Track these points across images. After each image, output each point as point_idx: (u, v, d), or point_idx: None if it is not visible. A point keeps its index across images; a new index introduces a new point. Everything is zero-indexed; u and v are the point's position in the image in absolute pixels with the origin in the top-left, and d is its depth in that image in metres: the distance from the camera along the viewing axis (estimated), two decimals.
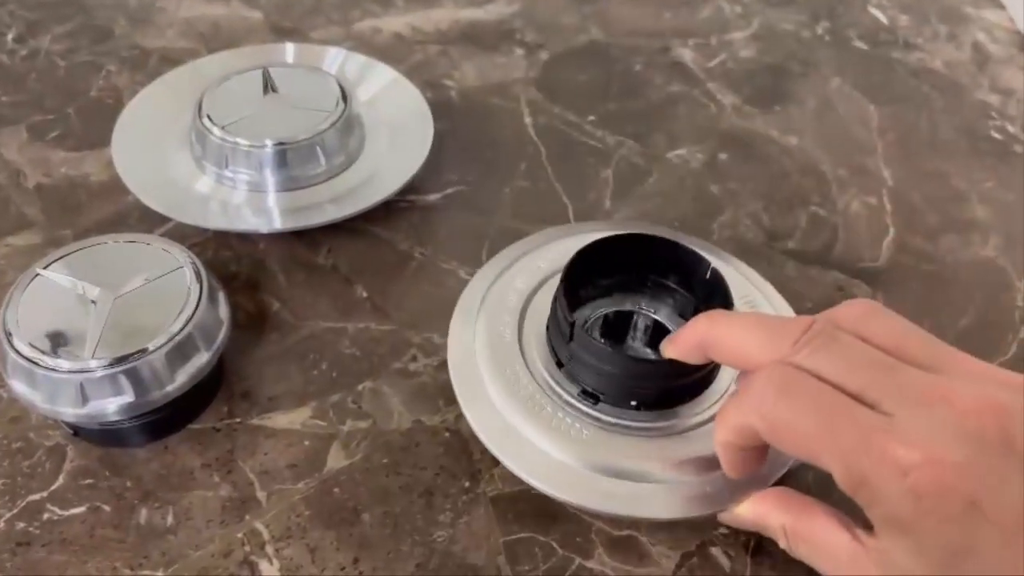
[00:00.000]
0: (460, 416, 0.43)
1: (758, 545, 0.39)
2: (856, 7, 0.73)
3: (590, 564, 0.38)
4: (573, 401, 0.40)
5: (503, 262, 0.46)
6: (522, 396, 0.40)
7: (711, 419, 0.39)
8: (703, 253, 0.41)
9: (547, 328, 0.42)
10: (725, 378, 0.41)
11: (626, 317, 0.43)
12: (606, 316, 0.43)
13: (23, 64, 0.63)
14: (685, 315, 0.43)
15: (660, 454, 0.38)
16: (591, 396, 0.40)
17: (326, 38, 0.67)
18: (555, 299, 0.40)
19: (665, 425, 0.39)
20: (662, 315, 0.43)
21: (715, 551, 0.39)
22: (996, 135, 0.62)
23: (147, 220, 0.51)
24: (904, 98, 0.64)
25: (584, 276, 0.42)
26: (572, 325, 0.38)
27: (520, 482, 0.40)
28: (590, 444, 0.38)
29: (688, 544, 0.39)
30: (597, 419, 0.39)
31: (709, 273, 0.41)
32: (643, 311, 0.43)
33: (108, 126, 0.54)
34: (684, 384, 0.39)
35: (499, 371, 0.41)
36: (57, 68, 0.62)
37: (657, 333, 0.43)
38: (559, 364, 0.40)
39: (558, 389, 0.40)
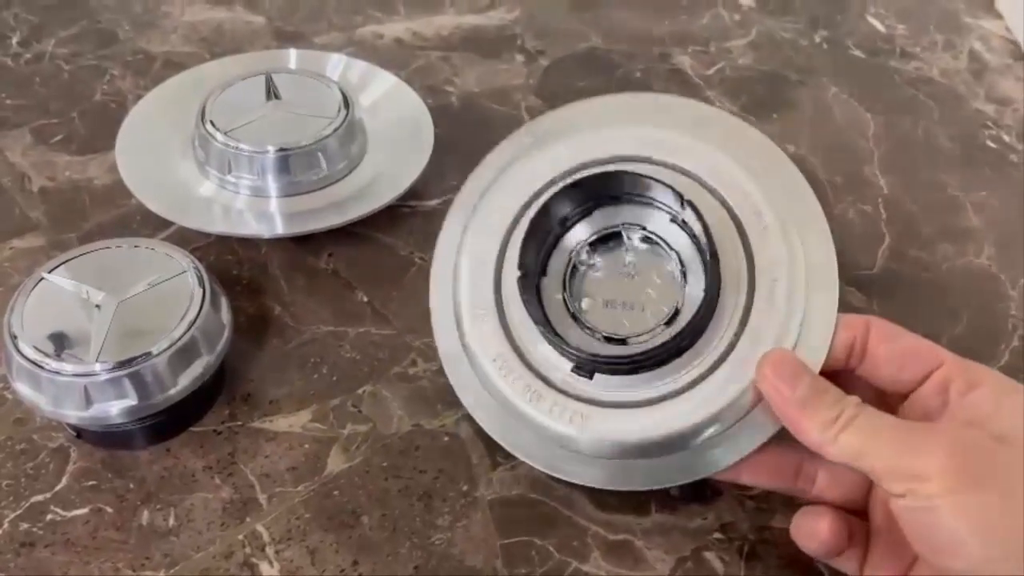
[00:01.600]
0: (459, 420, 0.43)
1: (752, 550, 0.39)
2: (854, 15, 0.74)
3: (586, 568, 0.39)
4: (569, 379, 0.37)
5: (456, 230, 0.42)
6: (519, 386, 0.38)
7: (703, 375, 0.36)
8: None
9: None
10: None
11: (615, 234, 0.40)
12: (591, 243, 0.40)
13: (28, 68, 0.63)
14: (677, 221, 0.38)
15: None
16: (585, 370, 0.37)
17: (328, 43, 0.67)
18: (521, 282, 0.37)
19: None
20: (654, 226, 0.39)
21: (709, 556, 0.39)
22: (992, 144, 0.62)
23: (150, 224, 0.52)
24: (901, 107, 0.65)
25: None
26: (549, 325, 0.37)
27: (518, 486, 0.41)
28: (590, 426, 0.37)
29: (683, 549, 0.39)
30: (593, 399, 0.37)
31: (687, 205, 0.37)
32: (631, 226, 0.39)
33: (112, 130, 0.54)
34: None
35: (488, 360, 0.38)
36: (62, 72, 0.63)
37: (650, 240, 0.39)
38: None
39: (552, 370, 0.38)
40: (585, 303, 0.39)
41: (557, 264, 0.39)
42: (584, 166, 0.39)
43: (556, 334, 0.37)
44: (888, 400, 0.35)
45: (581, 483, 0.39)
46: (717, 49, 0.70)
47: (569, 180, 0.38)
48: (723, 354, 0.36)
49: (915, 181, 0.59)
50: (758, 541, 0.40)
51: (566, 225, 0.40)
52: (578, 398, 0.37)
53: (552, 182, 0.40)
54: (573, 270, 0.40)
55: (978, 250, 0.54)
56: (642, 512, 0.40)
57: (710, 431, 0.36)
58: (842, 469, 0.35)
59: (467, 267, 0.40)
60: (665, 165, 0.39)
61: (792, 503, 0.40)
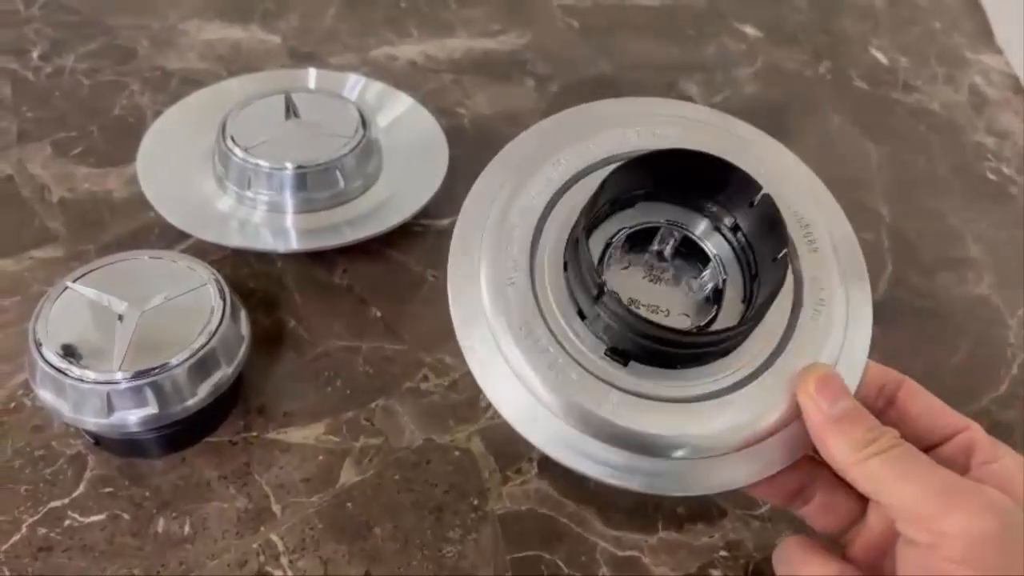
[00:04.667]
0: (471, 435, 0.44)
1: (757, 569, 0.40)
2: (858, 48, 0.75)
3: None
4: (598, 361, 0.34)
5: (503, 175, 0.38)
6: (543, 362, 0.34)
7: (743, 381, 0.34)
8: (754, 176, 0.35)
9: (565, 267, 0.35)
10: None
11: (651, 232, 0.37)
12: (630, 234, 0.37)
13: (48, 82, 0.64)
14: (721, 230, 0.37)
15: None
16: (620, 354, 0.34)
17: (343, 64, 0.68)
18: (574, 243, 0.34)
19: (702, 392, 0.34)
20: (697, 231, 0.37)
21: (715, 573, 0.40)
22: (991, 176, 0.64)
23: (167, 236, 0.53)
24: (902, 137, 0.66)
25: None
26: (602, 289, 0.33)
27: (528, 501, 0.42)
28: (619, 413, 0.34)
29: (689, 566, 0.40)
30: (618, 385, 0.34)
31: (759, 199, 0.35)
32: (672, 225, 0.37)
33: (130, 144, 0.55)
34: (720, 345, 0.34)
35: (513, 329, 0.34)
36: (81, 86, 0.64)
37: (687, 247, 0.37)
38: (581, 316, 0.34)
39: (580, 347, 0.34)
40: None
41: (593, 246, 0.37)
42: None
43: (608, 307, 0.34)
44: None
45: (580, 471, 0.34)
46: (724, 78, 0.71)
47: (643, 152, 0.35)
48: (759, 368, 0.34)
49: (916, 210, 0.60)
50: (763, 560, 0.40)
51: (611, 209, 0.37)
52: (604, 381, 0.34)
53: (607, 160, 0.37)
54: (607, 257, 0.37)
55: (977, 279, 0.55)
56: (650, 529, 0.41)
57: (729, 443, 0.34)
58: (839, 499, 0.35)
59: (498, 229, 0.36)
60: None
61: (798, 524, 0.41)
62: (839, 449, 0.31)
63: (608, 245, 0.37)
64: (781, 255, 0.34)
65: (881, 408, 0.35)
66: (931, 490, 0.29)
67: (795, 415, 0.34)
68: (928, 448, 0.34)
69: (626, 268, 0.38)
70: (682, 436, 0.34)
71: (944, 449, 0.34)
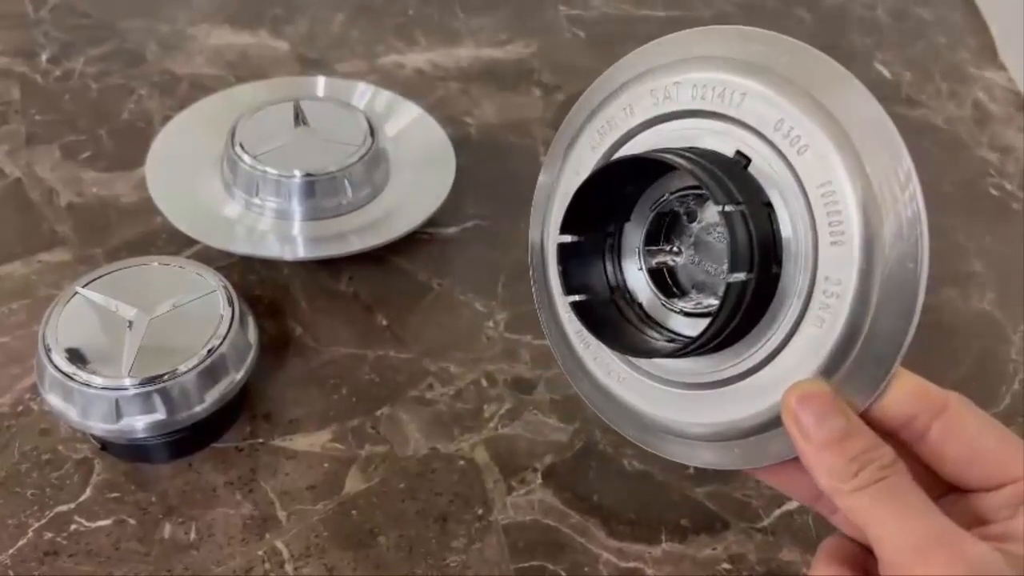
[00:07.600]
0: (475, 445, 0.45)
1: None
2: (862, 63, 0.76)
3: None
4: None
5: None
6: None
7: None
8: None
9: None
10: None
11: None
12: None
13: (57, 85, 0.65)
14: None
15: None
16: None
17: (350, 72, 0.69)
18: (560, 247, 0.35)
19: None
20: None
21: None
22: (994, 192, 0.64)
23: (174, 242, 0.53)
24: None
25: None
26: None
27: (532, 511, 0.42)
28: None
29: None
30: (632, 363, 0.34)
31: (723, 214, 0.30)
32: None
33: (139, 148, 0.56)
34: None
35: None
36: (90, 90, 0.64)
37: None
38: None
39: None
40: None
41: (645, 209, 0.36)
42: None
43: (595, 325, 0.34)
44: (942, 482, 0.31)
45: (619, 431, 0.35)
46: None
47: (594, 170, 0.34)
48: (765, 359, 0.32)
49: None
50: (766, 573, 0.41)
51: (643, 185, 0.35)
52: (619, 357, 0.35)
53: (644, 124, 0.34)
54: (666, 223, 0.36)
55: (980, 295, 0.56)
56: (653, 541, 0.41)
57: (740, 430, 0.33)
58: None
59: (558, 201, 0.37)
60: (762, 138, 0.31)
61: (800, 537, 0.42)
62: (824, 479, 0.29)
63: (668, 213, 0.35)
64: (730, 282, 0.30)
65: (905, 440, 0.31)
66: (913, 536, 0.27)
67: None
68: (968, 490, 0.31)
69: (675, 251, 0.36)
70: (672, 420, 0.34)
71: (990, 499, 0.30)
